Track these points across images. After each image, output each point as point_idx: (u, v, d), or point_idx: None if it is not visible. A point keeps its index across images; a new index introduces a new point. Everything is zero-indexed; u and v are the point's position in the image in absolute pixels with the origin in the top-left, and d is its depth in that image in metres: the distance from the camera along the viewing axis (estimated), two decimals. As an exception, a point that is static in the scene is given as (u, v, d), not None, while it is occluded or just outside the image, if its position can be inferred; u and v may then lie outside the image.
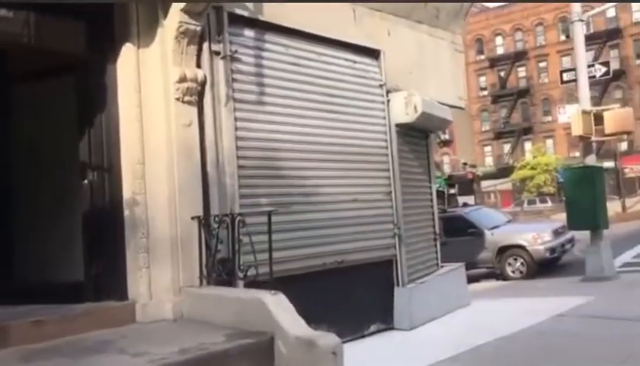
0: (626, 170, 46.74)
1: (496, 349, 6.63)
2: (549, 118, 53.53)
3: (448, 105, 9.35)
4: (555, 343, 6.77)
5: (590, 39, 50.55)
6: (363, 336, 7.41)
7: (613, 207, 23.43)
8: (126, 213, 5.45)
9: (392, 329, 7.84)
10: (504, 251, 14.03)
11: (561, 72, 12.79)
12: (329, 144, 7.25)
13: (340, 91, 7.47)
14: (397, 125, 8.18)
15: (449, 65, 9.56)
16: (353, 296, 7.28)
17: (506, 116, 57.62)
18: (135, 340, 4.68)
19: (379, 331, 7.65)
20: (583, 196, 11.25)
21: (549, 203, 46.40)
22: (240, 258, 5.45)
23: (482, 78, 59.27)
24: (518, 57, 56.08)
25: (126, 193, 5.45)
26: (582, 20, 11.57)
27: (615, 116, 11.00)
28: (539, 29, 54.31)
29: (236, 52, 6.05)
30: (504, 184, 54.06)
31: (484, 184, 58.18)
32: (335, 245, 7.09)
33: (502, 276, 14.05)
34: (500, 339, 6.97)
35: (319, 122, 7.13)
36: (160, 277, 5.37)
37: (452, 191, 61.40)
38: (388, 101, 8.13)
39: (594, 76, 11.91)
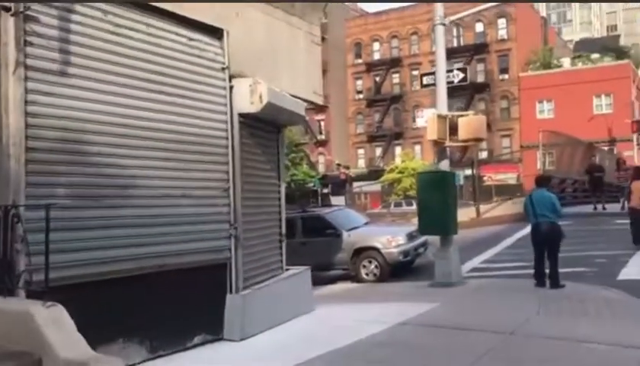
0: (485, 178, 49.47)
1: (327, 364, 6.09)
2: (418, 125, 55.50)
3: (302, 99, 8.76)
4: (392, 356, 6.37)
5: (459, 51, 53.32)
6: (186, 349, 6.59)
7: (469, 212, 24.30)
8: None
9: (221, 339, 7.09)
10: (359, 253, 13.78)
11: (422, 75, 12.75)
12: (155, 130, 6.36)
13: (173, 70, 6.60)
14: (241, 115, 7.44)
15: (305, 57, 8.98)
16: (177, 304, 6.45)
17: (379, 120, 59.10)
18: None
19: (205, 343, 6.86)
20: (434, 201, 11.18)
21: (414, 206, 48.02)
22: (19, 261, 4.44)
23: (359, 82, 60.42)
24: (393, 63, 57.71)
25: None
26: (444, 24, 11.52)
27: (469, 122, 11.03)
28: (414, 38, 56.20)
29: (29, 8, 4.97)
30: (374, 186, 55.40)
31: (357, 185, 59.43)
32: (156, 247, 6.21)
33: (357, 278, 13.80)
34: (334, 352, 6.45)
35: (144, 103, 6.20)
36: None
37: (326, 190, 62.42)
38: (232, 87, 7.37)
39: (452, 81, 11.94)
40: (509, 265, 13.30)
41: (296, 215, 15.48)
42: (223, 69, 7.27)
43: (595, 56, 55.22)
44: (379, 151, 59.66)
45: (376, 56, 59.06)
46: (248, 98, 7.33)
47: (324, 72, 61.06)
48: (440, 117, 10.96)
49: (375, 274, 13.60)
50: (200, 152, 6.90)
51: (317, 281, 14.21)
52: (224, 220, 7.15)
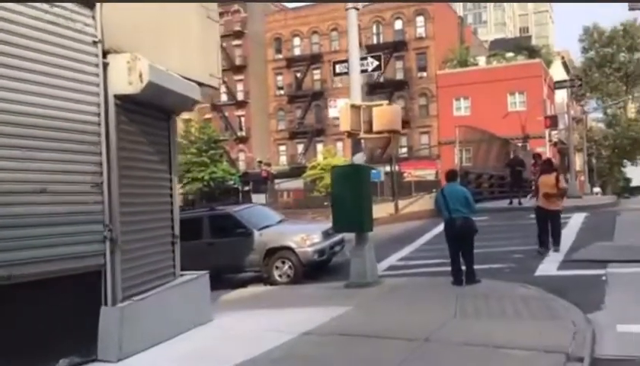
0: (405, 174, 49.88)
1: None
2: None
3: (196, 82, 7.76)
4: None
5: (378, 49, 53.27)
6: (46, 376, 5.49)
7: (388, 208, 23.97)
8: None
9: (95, 361, 6.02)
10: (271, 253, 12.90)
11: (334, 63, 11.99)
12: (7, 112, 5.21)
13: (27, 40, 5.46)
14: (117, 97, 6.38)
15: (199, 34, 7.97)
16: (35, 323, 5.34)
17: (300, 117, 58.39)
18: None
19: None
20: (348, 196, 10.47)
21: (336, 204, 47.72)
22: None
23: (280, 78, 59.46)
24: (314, 59, 57.10)
25: None
26: (357, 9, 10.81)
27: (383, 113, 10.37)
28: (334, 34, 55.80)
29: None
30: (297, 184, 54.73)
31: (278, 182, 58.48)
32: (1, 254, 5.07)
33: (270, 280, 12.91)
34: (223, 373, 5.55)
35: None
36: None
37: (247, 188, 61.10)
38: (106, 64, 6.29)
39: (366, 70, 11.26)
40: (427, 262, 12.81)
41: (202, 213, 14.45)
42: (95, 42, 6.18)
43: (509, 54, 56.83)
44: (300, 148, 58.96)
45: (297, 52, 58.28)
46: (125, 77, 6.28)
47: (244, 67, 60.00)
48: (353, 107, 10.23)
49: (289, 276, 12.77)
50: (65, 139, 5.81)
51: (227, 285, 13.26)
52: (96, 220, 6.07)
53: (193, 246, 13.78)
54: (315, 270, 13.13)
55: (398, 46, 53.86)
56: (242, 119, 60.62)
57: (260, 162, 58.47)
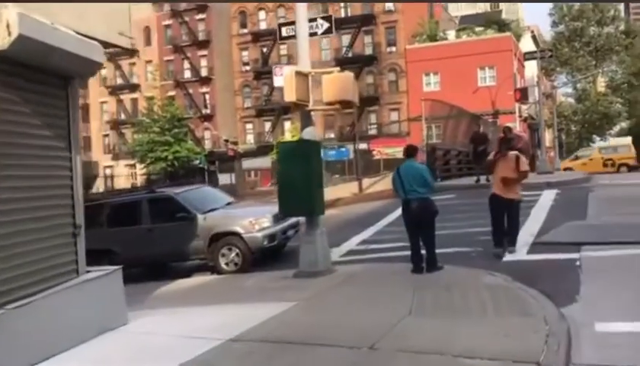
0: (374, 152, 48.91)
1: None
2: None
3: (99, 41, 6.44)
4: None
5: (346, 22, 51.97)
6: None
7: (352, 187, 22.91)
8: None
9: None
10: (217, 239, 11.70)
11: (279, 25, 10.71)
12: None
13: None
14: (-17, 55, 5.05)
15: (104, -16, 6.65)
16: None
17: (267, 93, 56.75)
18: None
19: None
20: (297, 176, 9.29)
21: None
22: None
23: (245, 53, 57.65)
24: (274, 34, 55.34)
25: None
26: (304, -36, 9.53)
27: (333, 81, 9.17)
28: (300, 7, 54.03)
29: None
30: (265, 163, 53.40)
31: (246, 162, 57.00)
32: None
33: (216, 269, 11.74)
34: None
35: None
36: None
37: (213, 167, 59.42)
38: (-35, 13, 4.95)
39: (315, 33, 10.02)
40: (388, 246, 11.74)
41: (141, 197, 13.16)
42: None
43: (479, 28, 55.84)
44: (268, 125, 57.48)
45: (262, 26, 56.45)
46: (-10, 31, 4.95)
47: (207, 42, 57.91)
48: (299, 74, 9.00)
49: (236, 264, 11.61)
50: None
51: (173, 275, 12.05)
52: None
53: (131, 232, 12.57)
54: (267, 257, 11.99)
55: (366, 20, 52.48)
56: (207, 96, 58.78)
57: (226, 140, 56.80)
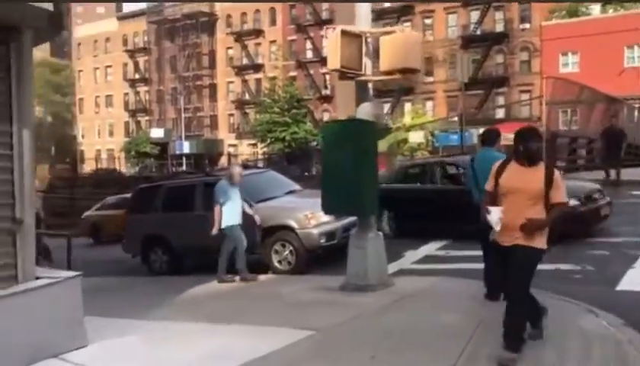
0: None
1: None
2: (431, 79, 50.96)
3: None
4: None
5: (475, -3, 48.21)
6: None
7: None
8: None
9: None
10: (269, 233, 10.13)
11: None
12: None
13: None
14: None
15: None
16: None
17: (388, 74, 54.38)
18: None
19: None
20: (343, 166, 7.39)
21: (420, 168, 44.11)
22: None
23: (367, 32, 55.59)
24: (403, 12, 52.68)
25: None
26: None
27: (393, 43, 7.09)
28: (426, -18, 50.95)
29: None
30: (382, 146, 51.32)
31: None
32: None
33: (270, 267, 10.19)
34: None
35: None
36: None
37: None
38: None
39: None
40: (472, 254, 9.40)
41: (195, 180, 11.94)
42: None
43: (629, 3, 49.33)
44: (387, 107, 55.14)
45: (387, 5, 54.01)
46: None
47: (330, 21, 56.49)
48: (347, 35, 7.04)
49: (289, 263, 10.02)
50: None
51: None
52: None
53: (183, 219, 11.37)
54: (327, 257, 10.20)
55: (498, -5, 48.29)
56: (327, 76, 57.55)
57: (345, 122, 55.38)
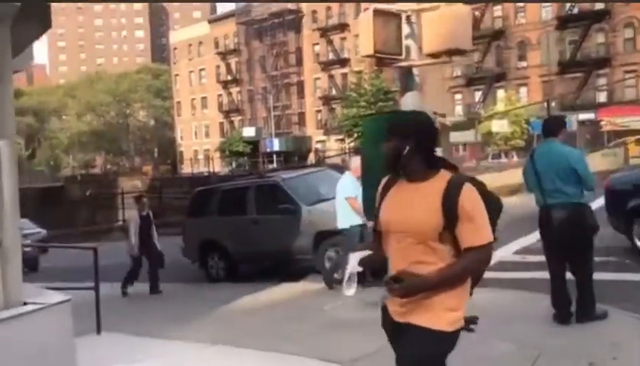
0: (603, 123, 41.77)
1: None
2: (524, 63, 48.14)
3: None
4: None
5: (572, -28, 44.82)
6: None
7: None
8: None
9: None
10: (323, 237, 9.38)
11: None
12: None
13: None
14: None
15: None
16: None
17: (479, 60, 51.92)
18: None
19: None
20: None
21: (515, 159, 41.77)
22: None
23: (455, 18, 53.39)
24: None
25: None
26: None
27: (439, 20, 6.06)
28: (517, -39, 48.07)
29: None
30: (472, 136, 49.14)
31: (453, 134, 53.18)
32: None
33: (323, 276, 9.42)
34: None
35: None
36: None
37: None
38: None
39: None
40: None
41: (249, 182, 11.38)
42: None
43: None
44: (478, 95, 52.79)
45: (474, -12, 51.60)
46: None
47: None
48: (381, 14, 6.09)
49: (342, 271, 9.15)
50: None
51: (281, 275, 10.13)
52: None
53: (237, 223, 10.84)
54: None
55: (598, -31, 44.68)
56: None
57: (435, 113, 53.44)
